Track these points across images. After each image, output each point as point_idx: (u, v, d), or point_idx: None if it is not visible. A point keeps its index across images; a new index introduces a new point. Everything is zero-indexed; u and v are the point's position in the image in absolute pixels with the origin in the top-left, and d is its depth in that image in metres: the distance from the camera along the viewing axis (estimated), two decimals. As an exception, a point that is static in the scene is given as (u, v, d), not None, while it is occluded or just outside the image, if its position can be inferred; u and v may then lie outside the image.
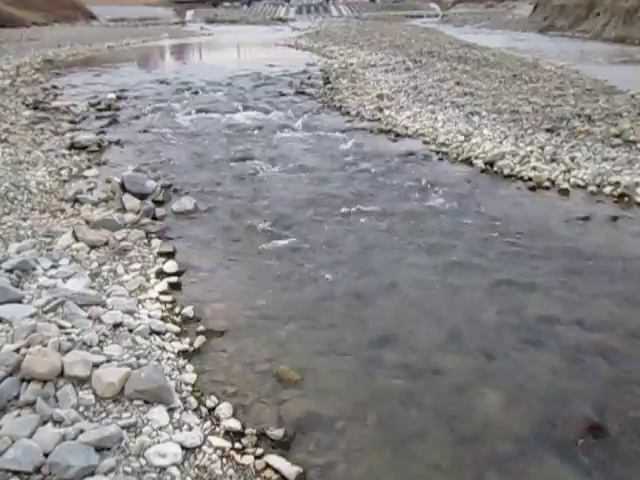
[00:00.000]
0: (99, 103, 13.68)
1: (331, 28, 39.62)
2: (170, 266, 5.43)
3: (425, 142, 10.13)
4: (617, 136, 9.67)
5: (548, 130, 10.17)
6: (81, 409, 3.29)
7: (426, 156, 9.29)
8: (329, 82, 16.58)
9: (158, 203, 7.12)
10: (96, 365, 3.61)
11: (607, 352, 4.24)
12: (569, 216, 6.85)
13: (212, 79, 17.75)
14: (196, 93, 15.40)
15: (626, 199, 7.36)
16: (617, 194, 7.48)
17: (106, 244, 5.70)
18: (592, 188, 7.71)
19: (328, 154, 9.46)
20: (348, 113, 12.66)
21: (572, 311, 4.76)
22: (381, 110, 12.43)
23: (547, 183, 7.93)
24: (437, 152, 9.48)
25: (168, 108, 13.32)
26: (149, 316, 4.49)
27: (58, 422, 3.12)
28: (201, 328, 4.44)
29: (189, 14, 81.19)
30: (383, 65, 19.49)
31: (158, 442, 3.14)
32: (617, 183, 7.64)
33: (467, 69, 17.97)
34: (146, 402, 3.41)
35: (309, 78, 17.65)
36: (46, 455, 2.88)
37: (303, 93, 15.10)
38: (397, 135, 10.70)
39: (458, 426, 3.51)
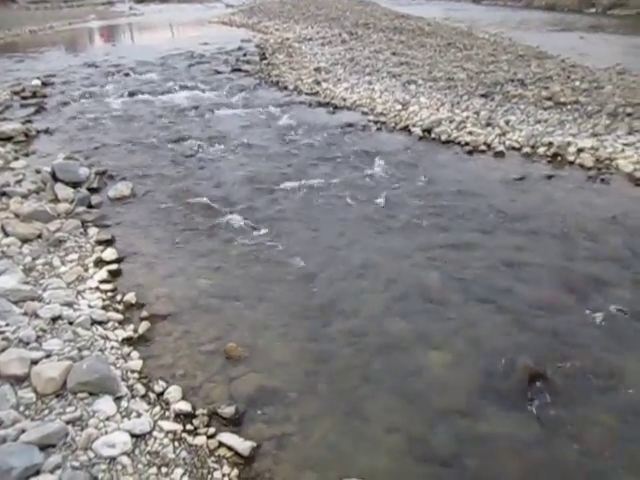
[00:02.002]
0: (23, 90, 12.92)
1: (266, 3, 38.72)
2: (109, 254, 5.26)
3: (364, 113, 10.15)
4: (549, 99, 9.95)
5: (483, 95, 10.36)
6: (21, 408, 3.17)
7: (365, 126, 9.32)
8: (265, 58, 16.29)
9: (93, 190, 6.85)
10: (35, 362, 3.49)
11: (546, 306, 4.41)
12: (505, 177, 7.03)
13: (144, 60, 17.11)
14: (127, 75, 14.81)
15: (559, 159, 7.62)
16: (550, 154, 7.73)
17: (39, 237, 5.46)
18: (527, 150, 7.93)
19: (267, 130, 9.34)
20: (286, 88, 12.51)
21: (511, 268, 4.92)
22: (319, 83, 12.34)
23: (483, 147, 8.11)
24: (376, 122, 9.52)
25: (99, 92, 12.77)
26: (89, 306, 4.35)
27: (-3, 424, 2.99)
28: (145, 314, 4.33)
29: (117, -6, 77.59)
30: (319, 38, 19.30)
31: (106, 433, 3.07)
32: (550, 144, 7.89)
33: (403, 39, 18.03)
34: (91, 394, 3.32)
35: (245, 55, 17.28)
36: (-13, 460, 2.76)
37: (239, 70, 14.77)
38: (336, 107, 10.67)
39: (407, 386, 3.59)
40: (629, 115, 8.73)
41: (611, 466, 3.02)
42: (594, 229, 5.59)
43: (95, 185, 7.00)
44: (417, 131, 8.84)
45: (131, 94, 12.38)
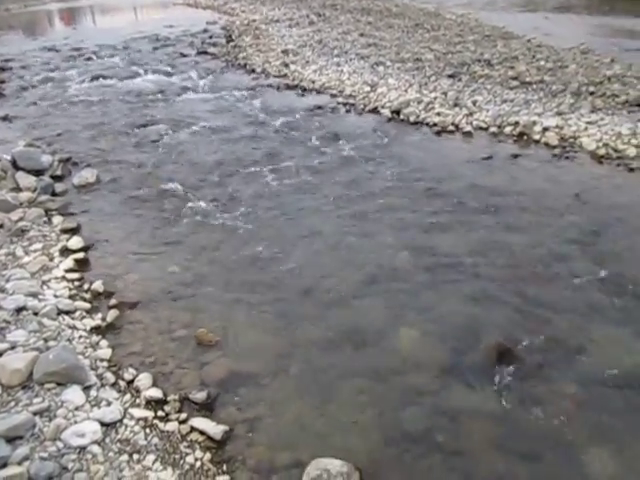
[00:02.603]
0: (-22, 76, 12.50)
1: (231, -16, 38.07)
2: (75, 242, 5.15)
3: (332, 95, 10.10)
4: (514, 78, 10.05)
5: (450, 76, 10.40)
6: (-14, 402, 3.10)
7: (334, 109, 9.27)
8: (232, 40, 16.03)
9: (57, 178, 6.68)
10: (-1, 354, 3.41)
11: (513, 282, 4.49)
12: (473, 157, 7.09)
13: (107, 43, 16.65)
14: (90, 59, 14.41)
15: (525, 137, 7.71)
16: (516, 133, 7.82)
17: (1, 226, 5.31)
18: (493, 129, 8.01)
19: (235, 114, 9.22)
20: (254, 71, 12.35)
21: (478, 246, 4.99)
22: (287, 66, 12.22)
23: (452, 127, 8.16)
24: (345, 104, 9.49)
25: (60, 77, 12.40)
26: (55, 296, 4.27)
27: (-39, 418, 2.92)
28: (113, 302, 4.27)
29: (76, -25, 75.12)
30: (287, 20, 19.06)
31: (75, 422, 3.03)
32: (516, 123, 7.97)
33: (370, 20, 17.93)
34: (58, 384, 3.27)
35: (211, 37, 16.97)
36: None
37: (205, 53, 14.51)
38: (304, 90, 10.58)
39: (377, 365, 3.62)
40: (592, 94, 8.89)
41: (575, 435, 3.11)
42: (559, 206, 5.69)
43: (59, 173, 6.83)
44: (386, 112, 8.84)
45: (94, 79, 12.06)
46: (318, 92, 10.43)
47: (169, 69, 12.75)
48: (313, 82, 10.93)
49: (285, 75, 11.73)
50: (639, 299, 4.22)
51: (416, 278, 4.53)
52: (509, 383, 3.49)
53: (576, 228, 5.25)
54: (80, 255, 4.95)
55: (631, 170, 6.57)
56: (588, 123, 7.70)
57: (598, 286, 4.37)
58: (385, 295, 4.31)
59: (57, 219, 5.64)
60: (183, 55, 14.43)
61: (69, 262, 4.81)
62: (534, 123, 7.86)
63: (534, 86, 9.55)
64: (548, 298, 4.27)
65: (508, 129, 7.93)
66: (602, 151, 7.08)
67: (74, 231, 5.42)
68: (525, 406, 3.31)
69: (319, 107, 9.35)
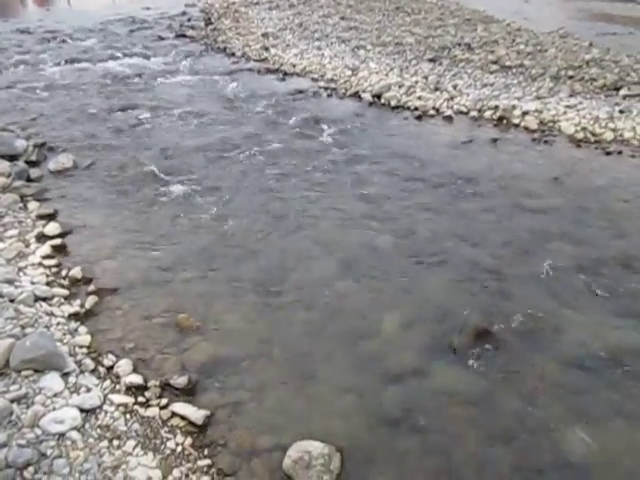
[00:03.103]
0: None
1: (209, -34, 37.41)
2: (52, 228, 5.06)
3: (314, 79, 10.03)
4: (494, 62, 10.09)
5: (431, 60, 10.39)
6: (-38, 391, 3.05)
7: (315, 93, 9.21)
8: (211, 23, 15.78)
9: (32, 163, 6.53)
10: (-26, 341, 3.35)
11: (492, 264, 4.54)
12: (454, 141, 7.12)
13: (82, 26, 16.23)
14: (64, 42, 14.04)
15: (504, 122, 7.76)
16: (496, 117, 7.86)
17: (-26, 213, 5.19)
18: (474, 113, 8.04)
19: (215, 98, 9.10)
20: (233, 54, 12.18)
21: (458, 230, 5.02)
22: (267, 49, 12.08)
23: (432, 111, 8.17)
24: (326, 88, 9.43)
25: (33, 60, 12.06)
26: (32, 283, 4.19)
27: None
28: (92, 288, 4.21)
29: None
30: (266, 2, 18.79)
31: (54, 409, 3.00)
32: (496, 107, 8.01)
33: (351, 3, 17.78)
34: (36, 371, 3.22)
35: (189, 20, 16.67)
36: None
37: (184, 36, 14.26)
38: (285, 74, 10.48)
39: (359, 349, 3.64)
40: (571, 77, 8.96)
41: (552, 413, 3.17)
42: (538, 190, 5.75)
43: (34, 158, 6.67)
44: (367, 97, 8.81)
45: (69, 62, 11.77)
46: (299, 76, 10.34)
47: (147, 52, 12.51)
48: (294, 66, 10.83)
49: (265, 59, 11.60)
50: (615, 280, 4.30)
51: (397, 261, 4.55)
52: (488, 364, 3.53)
53: (555, 211, 5.32)
54: (57, 241, 4.87)
55: (608, 154, 6.66)
56: (567, 107, 7.77)
57: (576, 268, 4.44)
58: (366, 278, 4.33)
59: (33, 205, 5.53)
60: (161, 38, 14.16)
61: (46, 248, 4.72)
62: (514, 107, 7.90)
63: (514, 70, 9.60)
64: (526, 280, 4.32)
65: (488, 113, 7.96)
66: (580, 135, 7.15)
67: (51, 217, 5.32)
68: (503, 386, 3.36)
69: (300, 91, 9.28)
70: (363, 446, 2.99)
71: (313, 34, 13.08)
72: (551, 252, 4.64)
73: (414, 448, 2.98)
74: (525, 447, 2.99)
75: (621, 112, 7.49)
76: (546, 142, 7.01)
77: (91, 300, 4.07)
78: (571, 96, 8.15)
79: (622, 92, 8.30)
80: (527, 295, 4.15)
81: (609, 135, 7.06)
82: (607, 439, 3.02)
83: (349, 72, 9.89)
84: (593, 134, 7.14)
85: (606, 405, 3.22)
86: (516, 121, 7.68)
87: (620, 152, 6.67)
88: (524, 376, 3.43)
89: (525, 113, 7.73)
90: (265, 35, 13.28)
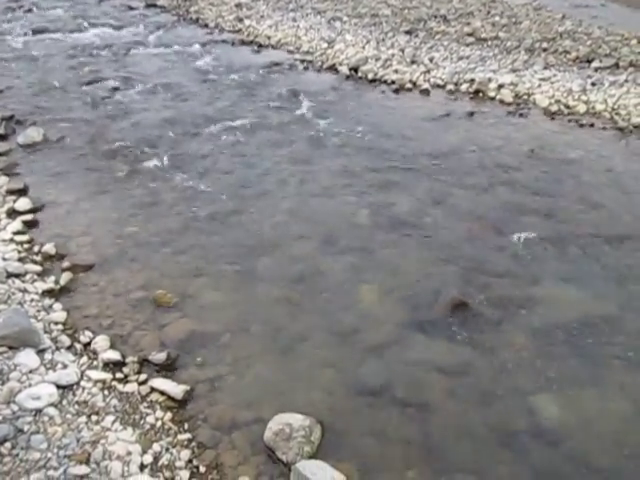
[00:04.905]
0: None
1: None
2: (23, 204, 4.93)
3: (289, 51, 9.86)
4: (470, 35, 10.04)
5: (407, 32, 10.30)
6: None
7: (291, 66, 9.06)
8: (183, -8, 15.31)
9: (0, 137, 6.34)
10: (-55, 319, 3.27)
11: (469, 238, 4.60)
12: (431, 115, 7.11)
13: (47, -6, 15.66)
14: (30, 11, 13.49)
15: (481, 95, 7.77)
16: (473, 91, 7.87)
17: (-61, 188, 5.03)
18: (450, 87, 8.02)
19: (188, 70, 8.89)
20: (206, 25, 11.88)
21: (436, 203, 5.05)
22: (241, 20, 11.80)
23: (409, 85, 8.12)
24: (302, 61, 9.28)
25: (-2, 30, 11.63)
26: (4, 259, 4.10)
27: None
28: (66, 264, 4.13)
29: None
30: (240, -28, 18.31)
31: (30, 385, 2.97)
32: (472, 80, 8.01)
33: (326, -27, 17.42)
34: (11, 347, 3.17)
35: (160, -11, 16.16)
36: None
37: (155, 6, 13.81)
38: (260, 46, 10.28)
39: (338, 323, 3.67)
40: (545, 50, 8.99)
41: (525, 382, 3.25)
42: (513, 163, 5.80)
43: (2, 131, 6.46)
44: (344, 70, 8.71)
45: (36, 32, 11.31)
46: (274, 48, 10.15)
47: (116, 23, 12.09)
48: (269, 38, 10.62)
49: (240, 30, 11.34)
50: (587, 251, 4.39)
51: (375, 236, 4.57)
52: (465, 335, 3.60)
53: (530, 184, 5.38)
54: (29, 217, 4.75)
55: (581, 126, 6.74)
56: (541, 80, 7.81)
57: (550, 240, 4.51)
58: (345, 252, 4.34)
59: (2, 180, 5.37)
60: (131, 8, 13.70)
61: (17, 224, 4.61)
62: (489, 80, 7.91)
63: (489, 42, 9.59)
64: (502, 253, 4.39)
65: (464, 86, 7.96)
66: (554, 107, 7.21)
67: (21, 192, 5.18)
68: (480, 356, 3.43)
69: (276, 64, 9.12)
70: (344, 417, 3.03)
71: (287, 5, 12.80)
72: (526, 225, 4.71)
73: (393, 418, 3.04)
74: (501, 414, 3.07)
75: (593, 84, 7.58)
76: (521, 115, 7.06)
77: (65, 276, 4.01)
78: (545, 68, 8.20)
79: (594, 64, 8.38)
80: (502, 267, 4.22)
81: (582, 107, 7.14)
82: (578, 404, 3.12)
83: (325, 44, 9.75)
84: (567, 106, 7.20)
85: (578, 372, 3.32)
86: (492, 94, 7.70)
87: (592, 124, 6.76)
88: (500, 346, 3.50)
89: (501, 86, 7.75)
90: (239, 5, 12.95)
